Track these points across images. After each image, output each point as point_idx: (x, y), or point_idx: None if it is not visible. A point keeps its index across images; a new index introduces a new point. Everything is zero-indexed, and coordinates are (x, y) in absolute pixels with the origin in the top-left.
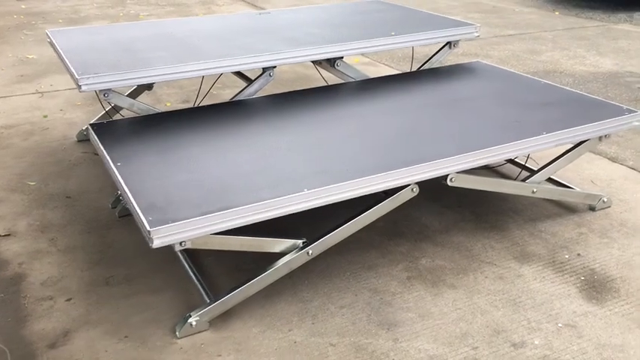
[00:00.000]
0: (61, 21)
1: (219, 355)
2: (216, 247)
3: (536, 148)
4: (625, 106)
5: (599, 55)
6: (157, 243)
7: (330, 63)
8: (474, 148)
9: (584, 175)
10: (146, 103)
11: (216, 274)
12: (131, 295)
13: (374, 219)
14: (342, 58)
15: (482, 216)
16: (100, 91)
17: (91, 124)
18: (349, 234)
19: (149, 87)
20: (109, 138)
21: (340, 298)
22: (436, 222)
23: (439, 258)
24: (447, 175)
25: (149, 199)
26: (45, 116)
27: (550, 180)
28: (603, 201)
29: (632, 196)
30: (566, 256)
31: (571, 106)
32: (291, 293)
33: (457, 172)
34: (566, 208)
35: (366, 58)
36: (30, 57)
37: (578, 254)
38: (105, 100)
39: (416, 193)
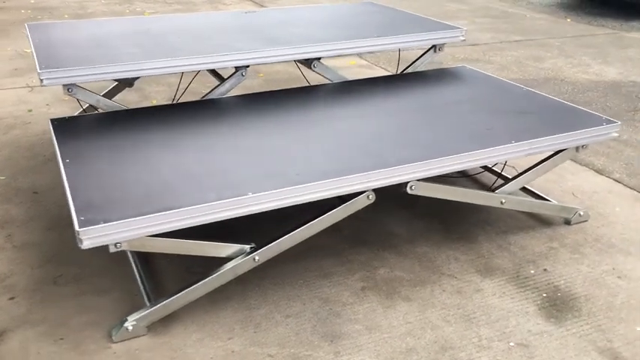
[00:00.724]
0: (67, 16)
1: None
2: (157, 250)
3: (503, 157)
4: (605, 117)
5: (604, 63)
6: (86, 244)
7: (308, 64)
8: (437, 155)
9: (566, 186)
10: (115, 100)
11: (167, 276)
12: (77, 295)
13: (326, 226)
14: (320, 59)
15: (452, 226)
16: (64, 85)
17: (51, 120)
18: (299, 241)
19: (130, 84)
20: (65, 134)
21: (288, 306)
22: (404, 230)
23: (399, 268)
24: (407, 183)
25: (88, 197)
26: (30, 110)
27: (526, 190)
28: (579, 214)
29: (612, 210)
30: (532, 271)
31: (549, 114)
32: (239, 299)
33: (418, 180)
34: (541, 221)
35: (363, 61)
36: (28, 51)
37: (545, 269)
38: (69, 95)
39: (372, 201)
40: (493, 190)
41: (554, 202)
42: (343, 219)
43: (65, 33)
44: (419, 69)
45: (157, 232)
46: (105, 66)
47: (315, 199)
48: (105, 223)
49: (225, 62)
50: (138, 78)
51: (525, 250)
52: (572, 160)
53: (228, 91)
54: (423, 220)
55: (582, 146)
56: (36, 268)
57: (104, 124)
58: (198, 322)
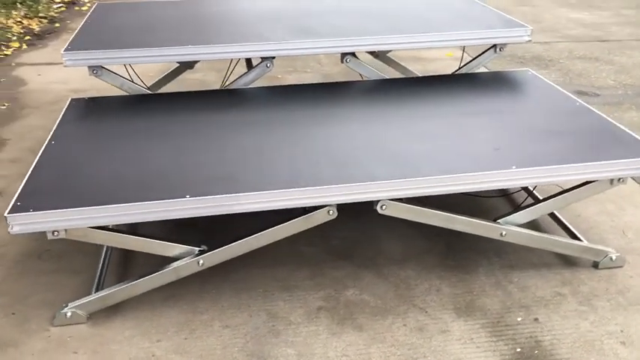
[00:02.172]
0: None
1: (75, 353)
2: (100, 242)
3: (497, 185)
4: None
5: None
6: (16, 229)
7: (341, 59)
8: (415, 175)
9: (620, 221)
10: (138, 84)
11: (144, 268)
12: (52, 272)
13: (281, 237)
14: (354, 54)
15: (455, 251)
16: (90, 67)
17: (72, 99)
18: (249, 249)
19: (190, 66)
20: (73, 116)
21: (233, 316)
22: (398, 249)
23: (369, 292)
24: (379, 202)
25: (42, 182)
26: None
27: (556, 219)
28: (611, 258)
29: None
30: (519, 319)
31: (590, 137)
32: (191, 300)
33: (391, 200)
34: (565, 260)
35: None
36: None
37: (536, 319)
38: (96, 76)
39: (333, 217)
40: (496, 219)
41: (575, 240)
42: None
43: (125, 14)
44: (473, 70)
45: (98, 225)
46: (126, 50)
47: (265, 209)
48: (34, 211)
49: (252, 52)
50: (197, 62)
51: (525, 291)
52: None
53: (252, 81)
54: (428, 239)
55: (619, 180)
56: (32, 240)
57: (113, 108)
58: (139, 319)
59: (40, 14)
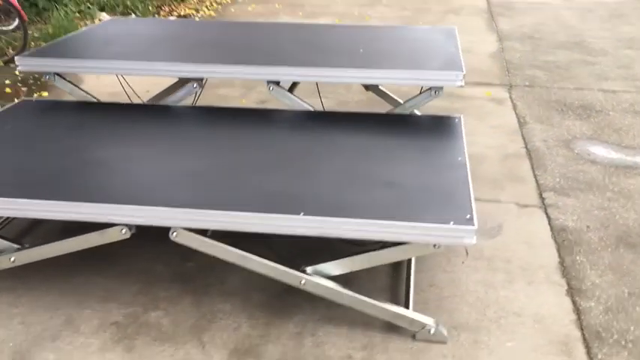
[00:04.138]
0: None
1: None
2: None
3: (281, 230)
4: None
5: None
6: None
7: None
8: (215, 207)
9: (489, 298)
10: (86, 91)
11: None
12: None
13: (77, 249)
14: (278, 82)
15: (289, 293)
16: (43, 73)
17: (23, 99)
18: (55, 254)
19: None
20: (15, 113)
21: (37, 314)
22: (236, 282)
23: (172, 317)
24: (170, 228)
25: None
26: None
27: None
28: (429, 331)
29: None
30: None
31: (428, 196)
32: (18, 294)
33: (183, 228)
34: (390, 324)
35: (504, 93)
36: None
37: None
38: (48, 82)
39: (127, 236)
40: (303, 268)
41: (387, 304)
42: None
43: (121, 28)
44: (407, 110)
45: None
46: (72, 59)
47: (61, 219)
48: None
49: (177, 72)
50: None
51: (319, 347)
52: None
53: (180, 99)
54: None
55: (434, 245)
56: None
57: (59, 111)
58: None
59: None
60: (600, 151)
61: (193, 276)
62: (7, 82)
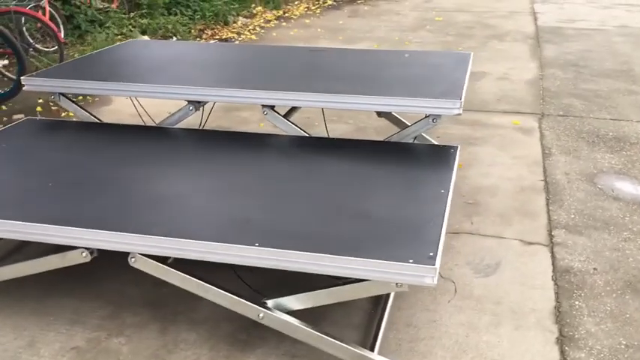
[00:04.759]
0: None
1: None
2: None
3: (234, 260)
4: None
5: None
6: None
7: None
8: (173, 235)
9: (471, 341)
10: (89, 111)
11: None
12: None
13: (38, 271)
14: (273, 107)
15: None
16: (49, 93)
17: (28, 118)
18: (19, 275)
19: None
20: (18, 133)
21: (3, 332)
22: (216, 309)
23: (134, 344)
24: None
25: None
26: None
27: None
28: None
29: None
30: None
31: (395, 231)
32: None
33: (142, 254)
34: None
35: (534, 122)
36: None
37: None
38: (53, 101)
39: (87, 259)
40: (264, 301)
41: (357, 348)
42: None
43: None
44: (405, 139)
45: None
46: (78, 81)
47: (24, 239)
48: None
49: (175, 95)
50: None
51: None
52: None
53: (178, 121)
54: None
55: (397, 284)
56: None
57: (63, 130)
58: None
59: None
60: (626, 187)
61: (165, 302)
62: (40, 100)
